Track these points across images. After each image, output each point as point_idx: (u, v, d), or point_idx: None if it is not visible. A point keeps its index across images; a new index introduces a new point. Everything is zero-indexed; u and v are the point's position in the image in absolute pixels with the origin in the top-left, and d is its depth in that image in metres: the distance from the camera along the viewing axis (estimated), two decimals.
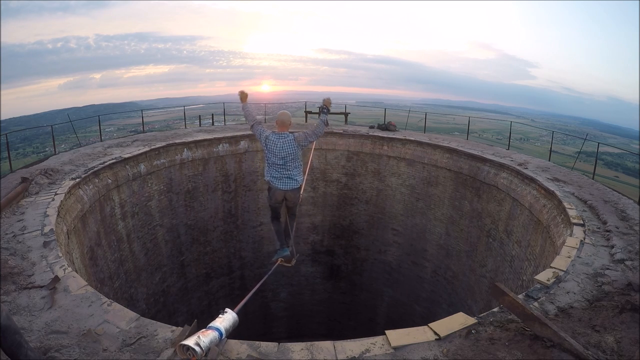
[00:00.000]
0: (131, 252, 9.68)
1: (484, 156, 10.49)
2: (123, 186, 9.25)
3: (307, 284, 15.29)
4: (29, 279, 4.14)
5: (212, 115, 17.41)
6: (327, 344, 3.28)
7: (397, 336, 3.36)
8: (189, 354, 2.74)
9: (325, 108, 4.98)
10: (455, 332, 3.43)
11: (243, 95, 5.07)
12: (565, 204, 6.98)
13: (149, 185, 10.30)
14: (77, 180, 7.53)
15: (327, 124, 5.00)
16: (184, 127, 14.49)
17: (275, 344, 3.26)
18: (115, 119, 48.02)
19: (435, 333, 3.40)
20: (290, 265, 5.36)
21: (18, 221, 5.64)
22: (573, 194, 7.67)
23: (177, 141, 11.18)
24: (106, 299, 3.86)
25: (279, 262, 5.22)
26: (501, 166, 9.90)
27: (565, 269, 4.65)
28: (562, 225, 6.72)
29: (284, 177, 4.77)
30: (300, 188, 5.03)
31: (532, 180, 8.62)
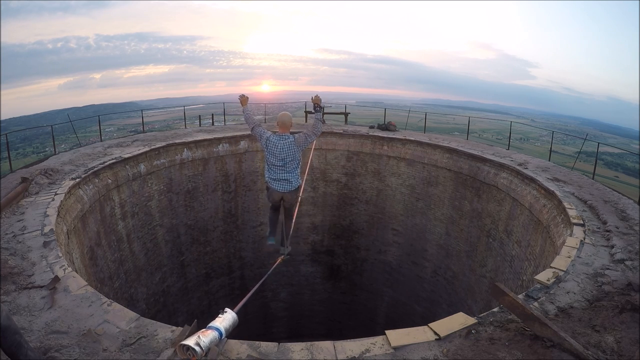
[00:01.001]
0: (131, 252, 9.68)
1: (484, 156, 10.49)
2: (123, 186, 9.25)
3: (307, 284, 15.29)
4: (29, 279, 4.14)
5: (212, 115, 17.41)
6: (327, 344, 3.28)
7: (397, 336, 3.36)
8: (189, 354, 2.74)
9: (317, 106, 5.00)
10: (455, 332, 3.43)
11: (243, 99, 5.12)
12: (565, 204, 6.98)
13: (149, 185, 10.30)
14: (77, 180, 7.53)
15: (323, 121, 5.02)
16: (184, 127, 14.50)
17: (275, 344, 3.26)
18: (115, 119, 48.01)
19: (435, 333, 3.39)
20: (281, 260, 5.41)
21: (18, 221, 5.64)
22: (573, 194, 7.67)
23: (177, 141, 11.18)
24: (106, 299, 3.86)
25: (280, 260, 5.26)
26: (501, 166, 9.90)
27: (565, 269, 4.64)
28: (562, 225, 6.72)
29: (282, 180, 4.80)
30: (298, 189, 5.05)
31: (532, 180, 8.62)
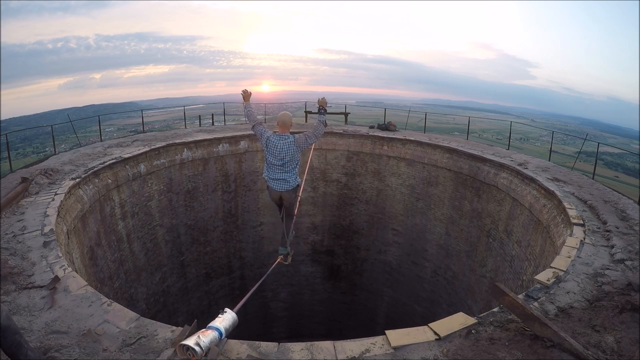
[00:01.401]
0: (131, 252, 9.68)
1: (484, 156, 10.49)
2: (123, 186, 9.25)
3: (307, 284, 15.29)
4: (29, 279, 4.14)
5: (212, 115, 17.40)
6: (327, 344, 3.28)
7: (397, 336, 3.36)
8: (189, 354, 2.74)
9: (322, 109, 5.00)
10: (455, 332, 3.43)
11: (246, 95, 5.02)
12: (565, 204, 6.98)
13: (149, 185, 10.30)
14: (77, 180, 7.53)
15: (325, 124, 5.02)
16: (184, 127, 14.50)
17: (275, 344, 3.26)
18: (115, 119, 48.00)
19: (435, 333, 3.40)
20: (287, 262, 5.46)
21: (18, 221, 5.64)
22: (573, 194, 7.67)
23: (177, 141, 11.18)
24: (106, 299, 3.86)
25: (279, 259, 5.27)
26: (501, 166, 9.89)
27: (565, 269, 4.64)
28: (562, 225, 6.72)
29: (280, 179, 4.81)
30: (296, 189, 5.04)
31: (532, 180, 8.62)
